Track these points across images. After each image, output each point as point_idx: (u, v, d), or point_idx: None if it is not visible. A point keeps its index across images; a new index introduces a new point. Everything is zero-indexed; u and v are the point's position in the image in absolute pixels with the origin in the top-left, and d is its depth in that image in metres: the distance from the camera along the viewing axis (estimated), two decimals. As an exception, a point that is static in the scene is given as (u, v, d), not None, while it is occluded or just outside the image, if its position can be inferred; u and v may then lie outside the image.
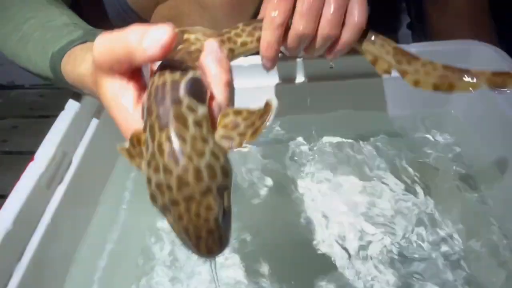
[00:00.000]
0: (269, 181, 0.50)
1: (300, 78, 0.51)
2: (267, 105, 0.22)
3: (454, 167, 0.50)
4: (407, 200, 0.47)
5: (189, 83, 0.22)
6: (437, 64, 0.32)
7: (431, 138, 0.54)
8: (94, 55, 0.23)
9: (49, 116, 1.02)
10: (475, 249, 0.42)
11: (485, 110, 0.49)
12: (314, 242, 0.44)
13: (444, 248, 0.42)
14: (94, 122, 0.45)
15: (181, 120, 0.21)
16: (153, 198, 0.21)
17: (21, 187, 0.34)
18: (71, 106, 0.43)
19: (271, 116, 0.22)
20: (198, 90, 0.22)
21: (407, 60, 0.33)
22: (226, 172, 0.22)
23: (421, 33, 0.61)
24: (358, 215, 0.46)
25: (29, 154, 1.01)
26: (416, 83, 0.32)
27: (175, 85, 0.22)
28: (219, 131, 0.23)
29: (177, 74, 0.22)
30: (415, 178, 0.49)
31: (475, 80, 0.31)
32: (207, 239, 0.21)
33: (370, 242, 0.43)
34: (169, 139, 0.21)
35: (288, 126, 0.54)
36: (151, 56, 0.20)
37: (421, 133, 0.54)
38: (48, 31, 0.37)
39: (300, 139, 0.54)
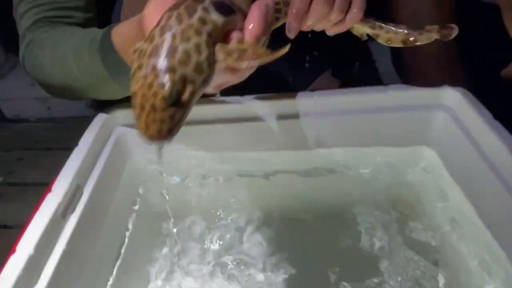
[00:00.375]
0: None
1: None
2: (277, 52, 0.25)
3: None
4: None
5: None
6: (402, 26, 0.42)
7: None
8: None
9: (53, 149, 1.07)
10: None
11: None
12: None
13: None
14: (103, 158, 0.50)
15: (190, 9, 0.24)
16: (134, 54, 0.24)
17: (40, 216, 0.38)
18: (85, 141, 0.48)
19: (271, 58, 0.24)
20: (223, 6, 0.26)
21: (379, 26, 0.42)
22: (200, 69, 0.23)
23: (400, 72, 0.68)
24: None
25: (33, 186, 1.04)
26: (388, 41, 0.43)
27: None
28: (224, 45, 0.25)
29: None
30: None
31: (430, 33, 0.42)
32: (148, 114, 0.22)
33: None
34: (169, 17, 0.23)
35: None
36: None
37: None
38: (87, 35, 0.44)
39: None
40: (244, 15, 0.28)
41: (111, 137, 0.55)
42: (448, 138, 0.55)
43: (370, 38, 0.45)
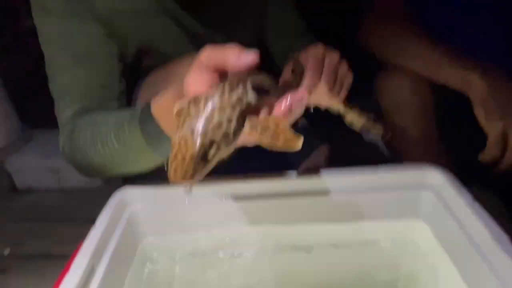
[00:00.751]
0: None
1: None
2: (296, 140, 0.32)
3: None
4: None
5: (256, 78, 0.33)
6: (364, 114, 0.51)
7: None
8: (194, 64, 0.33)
9: (62, 220, 1.10)
10: None
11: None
12: None
13: None
14: (115, 238, 0.54)
15: (233, 87, 0.30)
16: (178, 113, 0.31)
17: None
18: (101, 222, 0.53)
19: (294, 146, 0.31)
20: (259, 88, 0.33)
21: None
22: (227, 136, 0.30)
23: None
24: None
25: (40, 258, 1.06)
26: (350, 123, 0.52)
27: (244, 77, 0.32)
28: (252, 120, 0.32)
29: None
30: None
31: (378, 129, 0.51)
32: (178, 163, 0.29)
33: None
34: (215, 89, 0.30)
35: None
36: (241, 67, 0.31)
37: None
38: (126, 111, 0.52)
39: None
40: (276, 98, 0.35)
41: (123, 216, 0.59)
42: (437, 213, 0.59)
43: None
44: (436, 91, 0.67)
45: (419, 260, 0.60)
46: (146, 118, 0.45)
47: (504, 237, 0.47)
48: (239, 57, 0.31)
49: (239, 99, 0.31)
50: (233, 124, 0.30)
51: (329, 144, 0.87)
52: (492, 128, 0.55)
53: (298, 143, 0.32)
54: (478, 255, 0.48)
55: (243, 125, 0.32)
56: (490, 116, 0.55)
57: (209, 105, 0.30)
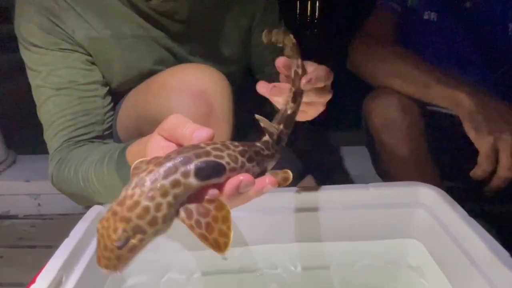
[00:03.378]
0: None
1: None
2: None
3: None
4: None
5: (202, 162, 0.28)
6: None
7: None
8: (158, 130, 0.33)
9: (36, 247, 1.04)
10: None
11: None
12: None
13: None
14: (90, 251, 0.50)
15: (170, 171, 0.27)
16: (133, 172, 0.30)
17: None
18: (76, 232, 0.49)
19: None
20: (208, 169, 0.28)
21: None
22: (155, 223, 0.26)
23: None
24: None
25: (9, 287, 0.99)
26: None
27: (190, 158, 0.28)
28: (190, 205, 0.28)
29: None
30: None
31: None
32: (101, 250, 0.26)
33: None
34: (148, 172, 0.27)
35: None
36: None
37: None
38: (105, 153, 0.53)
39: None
40: (226, 179, 0.30)
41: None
42: (430, 231, 0.57)
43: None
44: (425, 110, 0.67)
45: (414, 279, 0.57)
46: (122, 162, 0.49)
47: (503, 251, 0.45)
48: (194, 134, 0.31)
49: (175, 183, 0.27)
50: (163, 210, 0.27)
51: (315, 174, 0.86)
52: (482, 143, 0.55)
53: (227, 245, 0.28)
54: (476, 272, 0.46)
55: (177, 211, 0.28)
56: (479, 132, 0.55)
57: (137, 190, 0.27)
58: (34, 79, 0.60)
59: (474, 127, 0.56)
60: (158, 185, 0.27)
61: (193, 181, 0.28)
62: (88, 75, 0.60)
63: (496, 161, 0.54)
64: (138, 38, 0.62)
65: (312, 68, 0.42)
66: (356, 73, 0.76)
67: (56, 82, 0.58)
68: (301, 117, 0.47)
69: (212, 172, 0.29)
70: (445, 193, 0.58)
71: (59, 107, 0.59)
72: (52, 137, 0.59)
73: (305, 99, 0.42)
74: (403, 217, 0.59)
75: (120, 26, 0.61)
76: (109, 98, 0.64)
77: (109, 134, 0.64)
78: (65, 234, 0.51)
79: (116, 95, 0.66)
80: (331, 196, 0.59)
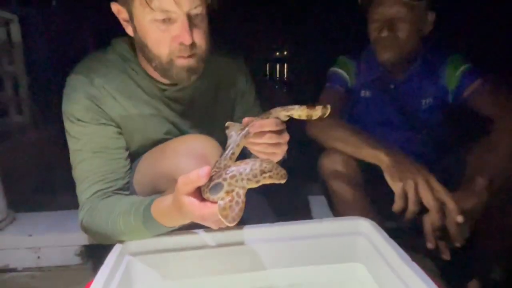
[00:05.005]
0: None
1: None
2: None
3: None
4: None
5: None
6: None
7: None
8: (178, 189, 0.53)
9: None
10: None
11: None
12: None
13: None
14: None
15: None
16: None
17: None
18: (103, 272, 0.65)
19: None
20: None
21: None
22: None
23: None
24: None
25: None
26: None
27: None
28: None
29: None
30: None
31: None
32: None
33: None
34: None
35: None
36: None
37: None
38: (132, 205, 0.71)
39: None
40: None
41: (122, 264, 0.72)
42: (370, 256, 0.77)
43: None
44: (360, 164, 0.92)
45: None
46: (147, 216, 0.68)
47: (419, 269, 0.64)
48: (200, 174, 0.53)
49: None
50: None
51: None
52: (396, 187, 0.78)
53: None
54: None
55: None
56: (394, 179, 0.79)
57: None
58: (74, 145, 0.78)
59: (390, 176, 0.80)
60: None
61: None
62: (116, 142, 0.80)
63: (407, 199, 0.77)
64: (154, 116, 0.85)
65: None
66: (312, 138, 1.01)
67: (92, 147, 0.77)
68: (273, 158, 0.69)
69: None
70: (377, 225, 0.79)
71: (93, 166, 0.77)
72: (85, 189, 0.77)
73: (271, 140, 0.63)
74: (349, 243, 0.80)
75: (142, 108, 0.83)
76: (129, 160, 0.83)
77: (128, 187, 0.82)
78: (64, 284, 0.63)
79: (133, 156, 0.86)
80: (293, 228, 0.79)
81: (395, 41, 1.00)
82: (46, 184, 1.78)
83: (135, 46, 0.80)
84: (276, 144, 0.63)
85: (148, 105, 0.84)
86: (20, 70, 2.22)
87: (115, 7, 0.77)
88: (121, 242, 0.74)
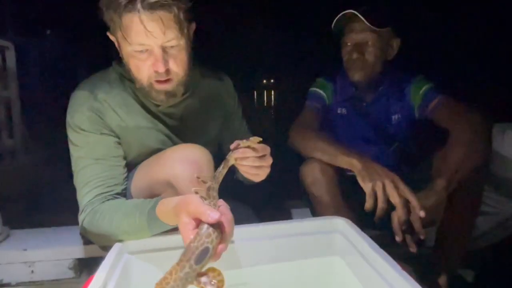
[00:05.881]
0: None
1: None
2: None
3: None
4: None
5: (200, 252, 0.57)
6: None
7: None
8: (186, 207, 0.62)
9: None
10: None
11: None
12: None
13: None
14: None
15: (181, 268, 0.54)
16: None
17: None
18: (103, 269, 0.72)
19: None
20: (202, 258, 0.56)
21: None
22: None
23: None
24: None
25: None
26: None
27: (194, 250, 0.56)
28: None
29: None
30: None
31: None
32: None
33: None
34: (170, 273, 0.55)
35: None
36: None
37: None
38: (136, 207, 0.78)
39: None
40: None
41: (120, 262, 0.78)
42: (346, 250, 0.86)
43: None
44: (337, 170, 1.03)
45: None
46: (152, 217, 0.76)
47: (390, 258, 0.72)
48: (208, 216, 0.59)
49: (186, 275, 0.55)
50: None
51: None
52: (366, 188, 0.89)
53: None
54: (378, 276, 0.72)
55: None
56: (365, 181, 0.90)
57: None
58: (77, 153, 0.87)
59: (362, 178, 0.91)
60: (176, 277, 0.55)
61: (195, 267, 0.55)
62: (116, 151, 0.90)
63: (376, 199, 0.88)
64: (149, 129, 0.94)
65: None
66: (294, 149, 1.12)
67: (94, 154, 0.86)
68: (256, 178, 0.79)
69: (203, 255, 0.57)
70: (351, 223, 0.88)
71: (94, 171, 0.85)
72: (87, 193, 0.84)
73: (254, 164, 0.73)
74: (327, 240, 0.89)
75: (139, 121, 0.93)
76: (126, 168, 0.92)
77: (125, 193, 0.90)
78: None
79: (130, 166, 0.95)
80: (277, 228, 0.87)
81: (363, 63, 1.14)
82: (38, 204, 1.82)
83: None
84: (259, 167, 0.75)
85: (145, 119, 0.94)
86: (13, 95, 2.29)
87: (110, 35, 0.88)
88: (120, 241, 0.81)
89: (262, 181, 0.82)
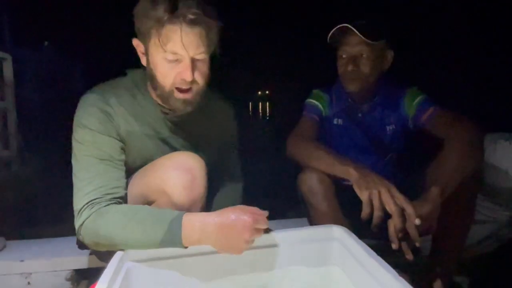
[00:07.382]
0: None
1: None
2: None
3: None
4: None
5: None
6: None
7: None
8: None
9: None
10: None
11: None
12: None
13: None
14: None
15: None
16: None
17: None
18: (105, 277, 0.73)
19: None
20: None
21: None
22: None
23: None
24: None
25: None
26: None
27: None
28: None
29: None
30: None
31: None
32: None
33: None
34: None
35: None
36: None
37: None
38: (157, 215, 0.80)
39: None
40: None
41: (122, 270, 0.79)
42: (344, 258, 0.87)
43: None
44: (333, 179, 1.05)
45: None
46: (172, 229, 0.77)
47: (389, 267, 0.72)
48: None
49: None
50: None
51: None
52: (363, 196, 0.90)
53: None
54: (377, 284, 0.73)
55: None
56: (361, 189, 0.91)
57: None
58: (83, 151, 0.87)
59: (358, 187, 0.92)
60: None
61: None
62: (120, 156, 0.91)
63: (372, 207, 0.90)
64: (152, 137, 0.97)
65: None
66: (291, 159, 1.14)
67: (100, 154, 0.87)
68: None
69: None
70: (349, 231, 0.90)
71: (99, 170, 0.86)
72: (89, 192, 0.83)
73: None
74: (325, 248, 0.90)
75: (144, 128, 0.95)
76: (125, 173, 0.93)
77: (126, 199, 0.90)
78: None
79: (128, 173, 0.95)
80: (276, 236, 0.88)
81: (358, 75, 1.17)
82: (35, 214, 1.82)
83: (146, 75, 0.94)
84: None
85: (150, 127, 0.97)
86: (10, 106, 2.30)
87: (135, 41, 0.93)
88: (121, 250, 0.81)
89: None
